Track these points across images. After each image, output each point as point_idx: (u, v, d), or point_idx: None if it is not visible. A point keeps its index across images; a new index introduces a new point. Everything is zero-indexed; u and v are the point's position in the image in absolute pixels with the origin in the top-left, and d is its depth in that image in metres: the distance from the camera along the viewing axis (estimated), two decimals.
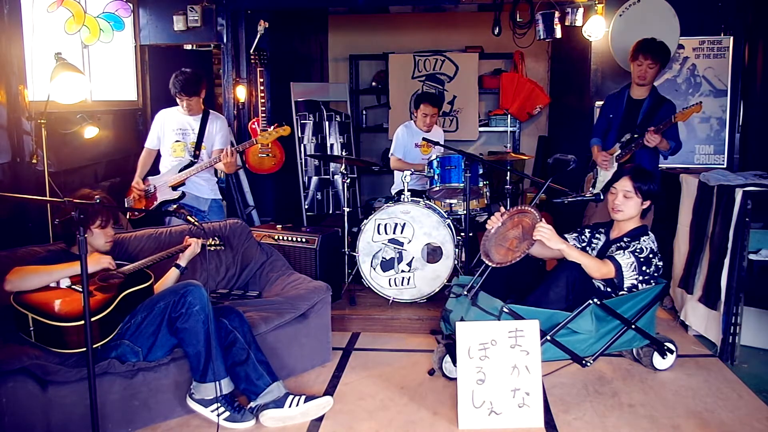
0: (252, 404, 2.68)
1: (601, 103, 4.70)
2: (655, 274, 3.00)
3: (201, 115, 4.06)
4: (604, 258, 2.99)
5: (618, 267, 2.91)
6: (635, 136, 3.83)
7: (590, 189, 4.09)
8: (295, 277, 3.49)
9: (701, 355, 3.37)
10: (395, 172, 5.01)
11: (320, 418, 2.72)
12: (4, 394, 2.33)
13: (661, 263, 3.02)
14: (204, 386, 2.62)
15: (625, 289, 2.97)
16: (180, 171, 4.02)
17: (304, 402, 2.69)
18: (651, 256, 2.96)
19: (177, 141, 4.04)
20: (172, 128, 4.05)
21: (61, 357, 2.50)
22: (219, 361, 2.62)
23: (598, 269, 2.90)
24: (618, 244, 3.03)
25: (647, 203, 3.05)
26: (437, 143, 4.36)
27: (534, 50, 6.73)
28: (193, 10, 4.95)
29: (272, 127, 4.20)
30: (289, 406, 2.67)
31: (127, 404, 2.60)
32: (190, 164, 4.04)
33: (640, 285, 2.97)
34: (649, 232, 3.04)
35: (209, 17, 5.03)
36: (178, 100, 4.00)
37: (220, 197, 4.29)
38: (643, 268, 2.94)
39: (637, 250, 2.95)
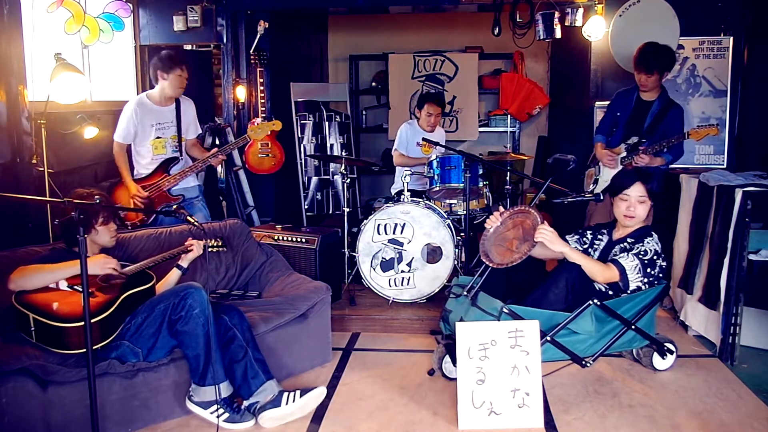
0: (246, 403, 2.68)
1: (601, 103, 4.72)
2: (660, 275, 3.00)
3: (174, 103, 3.98)
4: (607, 260, 2.98)
5: (622, 271, 2.91)
6: (642, 140, 3.83)
7: (591, 185, 4.08)
8: (295, 278, 3.49)
9: (701, 355, 3.37)
10: (396, 171, 5.01)
11: (320, 419, 2.72)
12: (4, 394, 2.33)
13: (665, 264, 3.01)
14: (203, 389, 2.62)
15: (629, 292, 2.97)
16: (168, 169, 3.96)
17: (300, 396, 2.69)
18: (655, 257, 2.96)
19: (158, 137, 3.93)
20: (150, 123, 3.91)
21: (61, 357, 2.50)
22: (218, 365, 2.62)
23: (601, 273, 2.90)
24: (621, 246, 3.03)
25: (652, 205, 3.06)
26: (437, 143, 4.36)
27: (534, 50, 6.74)
28: (193, 10, 4.95)
29: (258, 120, 4.20)
30: (286, 403, 2.66)
31: (127, 404, 2.60)
32: (173, 160, 3.98)
33: (644, 286, 2.97)
34: (653, 233, 3.03)
35: (209, 17, 5.03)
36: (173, 79, 3.85)
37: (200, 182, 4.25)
38: (648, 269, 2.94)
39: (641, 252, 2.94)
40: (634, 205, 3.01)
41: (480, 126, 7.29)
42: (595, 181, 4.05)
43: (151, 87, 4.11)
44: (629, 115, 3.97)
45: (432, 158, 4.37)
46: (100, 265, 2.58)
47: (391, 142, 6.30)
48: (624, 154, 3.89)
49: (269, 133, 4.38)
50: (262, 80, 5.16)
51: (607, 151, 3.98)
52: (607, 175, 3.96)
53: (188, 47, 5.41)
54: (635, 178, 3.02)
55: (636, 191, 3.01)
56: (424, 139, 4.59)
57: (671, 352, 3.14)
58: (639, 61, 3.83)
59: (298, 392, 2.71)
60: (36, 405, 2.40)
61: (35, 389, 2.39)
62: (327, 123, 6.24)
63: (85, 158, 4.31)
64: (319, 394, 2.75)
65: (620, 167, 3.88)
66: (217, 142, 5.26)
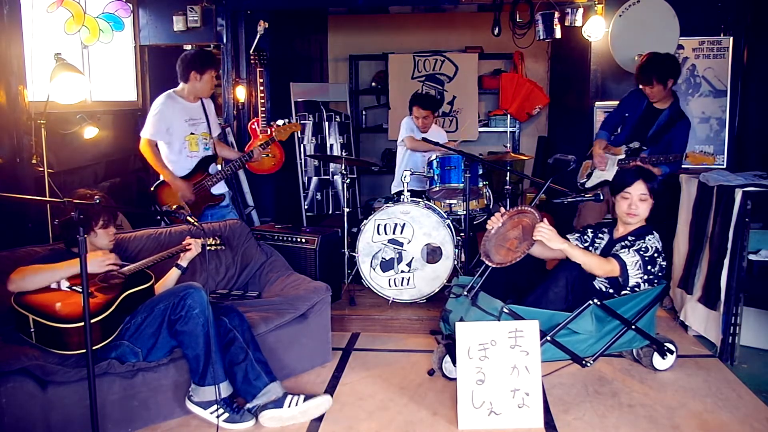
0: (249, 405, 2.68)
1: (601, 103, 4.72)
2: (659, 274, 3.00)
3: (200, 101, 3.90)
4: (608, 256, 2.99)
5: (623, 265, 2.91)
6: (644, 147, 3.83)
7: (584, 177, 4.07)
8: (295, 278, 3.49)
9: (701, 355, 3.37)
10: (395, 171, 5.01)
11: (320, 418, 2.72)
12: (4, 394, 2.33)
13: (665, 263, 3.02)
14: (203, 389, 2.62)
15: (629, 289, 2.97)
16: (207, 168, 3.88)
17: (303, 401, 2.69)
18: (656, 255, 2.96)
19: (192, 134, 3.81)
20: (183, 118, 3.78)
21: (61, 357, 2.50)
22: (218, 365, 2.62)
23: (601, 267, 2.90)
24: (622, 243, 3.03)
25: (653, 203, 3.06)
26: (436, 143, 4.36)
27: (534, 50, 6.73)
28: (192, 10, 4.95)
29: (281, 121, 4.17)
30: (289, 406, 2.66)
31: (127, 404, 2.60)
32: (212, 158, 3.90)
33: (643, 284, 2.97)
34: (654, 232, 3.04)
35: (209, 17, 5.03)
36: (207, 80, 3.76)
37: None
38: (648, 267, 2.94)
39: (642, 249, 2.95)
40: (635, 203, 3.02)
41: (480, 126, 7.30)
42: (589, 174, 4.04)
43: (160, 88, 4.04)
44: (637, 119, 3.94)
45: (432, 158, 4.37)
46: (98, 262, 2.58)
47: (391, 142, 6.28)
48: (623, 156, 3.88)
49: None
50: (262, 80, 5.16)
51: (602, 152, 3.95)
52: (601, 172, 3.96)
53: (188, 47, 5.41)
54: (637, 176, 3.02)
55: (637, 189, 3.01)
56: (424, 139, 4.58)
57: (671, 352, 3.14)
58: (638, 73, 3.82)
59: (302, 397, 2.71)
60: (36, 405, 2.39)
61: (35, 389, 2.39)
62: (327, 123, 6.25)
63: (85, 158, 4.31)
64: (323, 402, 2.74)
65: (614, 168, 3.87)
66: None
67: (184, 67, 3.80)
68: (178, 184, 3.77)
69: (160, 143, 3.78)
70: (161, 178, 3.84)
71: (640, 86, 3.85)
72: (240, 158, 4.01)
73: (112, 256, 2.64)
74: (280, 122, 4.24)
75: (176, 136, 3.78)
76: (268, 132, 5.18)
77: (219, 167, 4.01)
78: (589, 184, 4.01)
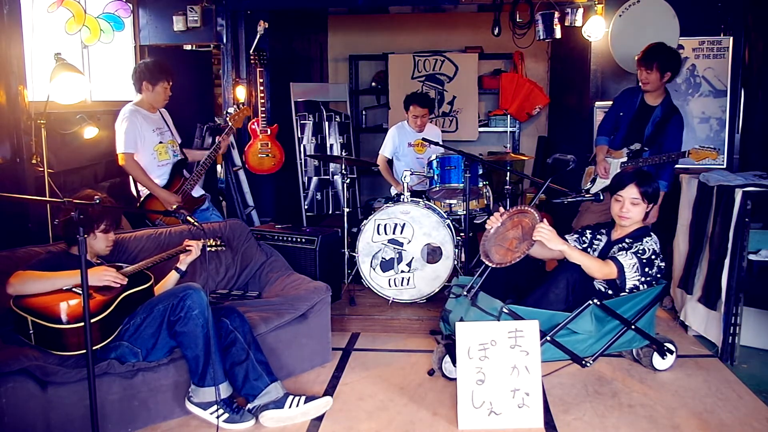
0: (250, 405, 2.68)
1: (601, 103, 4.71)
2: (658, 276, 3.00)
3: (158, 111, 3.93)
4: (606, 259, 2.99)
5: (620, 268, 2.91)
6: (645, 149, 3.82)
7: (588, 183, 4.07)
8: (295, 278, 3.49)
9: (701, 355, 3.37)
10: (395, 171, 5.01)
11: (320, 418, 2.72)
12: (4, 395, 2.33)
13: (663, 264, 3.01)
14: (202, 390, 2.62)
15: (627, 291, 2.97)
16: (182, 172, 3.93)
17: (304, 402, 2.70)
18: (653, 257, 2.96)
19: (160, 142, 3.83)
20: (150, 128, 3.80)
21: (60, 358, 2.50)
22: (218, 365, 2.62)
23: (599, 269, 2.90)
24: (620, 245, 3.03)
25: (651, 206, 3.05)
26: (436, 143, 4.36)
27: (534, 50, 6.73)
28: (192, 10, 4.95)
29: (232, 109, 4.25)
30: (289, 407, 2.67)
31: (127, 405, 2.60)
32: (180, 163, 3.93)
33: (641, 286, 2.97)
34: (652, 234, 3.04)
35: (209, 18, 5.03)
36: (159, 91, 3.78)
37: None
38: (646, 269, 2.94)
39: (640, 251, 2.94)
40: (626, 207, 3.01)
41: (480, 126, 7.29)
42: (593, 180, 4.04)
43: None
44: (632, 117, 3.93)
45: (432, 158, 4.37)
46: (98, 277, 2.58)
47: None
48: (625, 158, 3.88)
49: (246, 117, 4.47)
50: (261, 80, 5.17)
51: (606, 163, 3.94)
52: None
53: (188, 47, 5.42)
54: (631, 180, 3.02)
55: (629, 193, 3.00)
56: (423, 139, 4.58)
57: (671, 352, 3.14)
58: (641, 56, 3.81)
59: (303, 398, 2.72)
60: (36, 405, 2.40)
61: (35, 389, 2.39)
62: (327, 123, 6.24)
63: (85, 158, 4.31)
64: (324, 403, 2.75)
65: (617, 171, 3.86)
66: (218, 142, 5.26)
67: (136, 78, 3.82)
68: (163, 195, 3.80)
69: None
70: (143, 194, 3.85)
71: (639, 71, 3.83)
72: (210, 153, 4.03)
73: (112, 271, 2.63)
74: (231, 110, 4.27)
75: (146, 147, 3.79)
76: (268, 132, 5.20)
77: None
78: (593, 190, 4.00)
